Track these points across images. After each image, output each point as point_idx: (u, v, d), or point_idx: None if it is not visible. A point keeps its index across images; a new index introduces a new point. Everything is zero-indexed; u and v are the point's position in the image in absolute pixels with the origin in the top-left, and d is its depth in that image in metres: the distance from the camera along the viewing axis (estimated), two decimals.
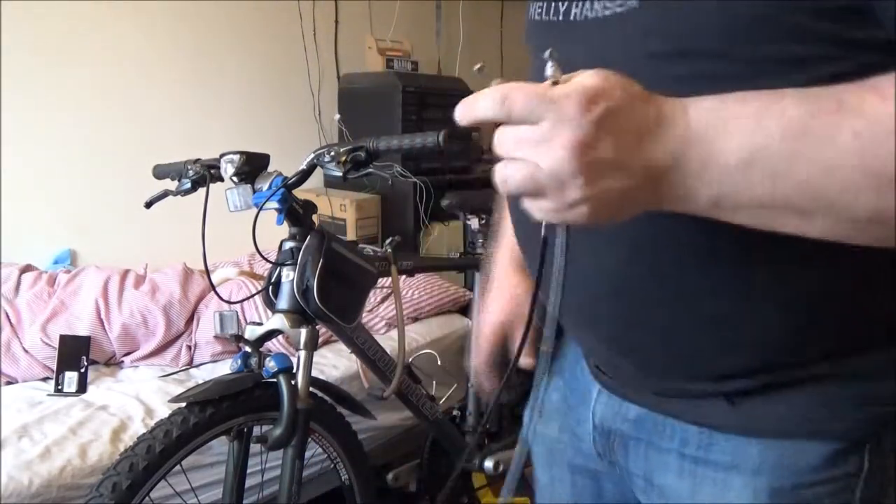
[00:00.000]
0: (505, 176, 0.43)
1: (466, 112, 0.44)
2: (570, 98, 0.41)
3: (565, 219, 0.44)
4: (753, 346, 0.57)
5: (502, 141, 0.43)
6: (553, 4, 0.60)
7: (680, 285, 0.55)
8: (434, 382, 1.78)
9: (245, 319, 1.83)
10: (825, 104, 0.42)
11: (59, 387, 1.64)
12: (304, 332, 1.20)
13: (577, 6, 0.58)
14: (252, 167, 1.21)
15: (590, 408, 0.72)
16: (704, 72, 0.50)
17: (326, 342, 1.87)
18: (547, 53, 0.42)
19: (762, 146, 0.41)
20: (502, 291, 0.82)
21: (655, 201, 0.45)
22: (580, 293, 0.58)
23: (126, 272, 1.92)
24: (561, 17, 0.60)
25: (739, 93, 0.43)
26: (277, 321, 1.22)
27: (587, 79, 0.42)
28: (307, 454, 1.24)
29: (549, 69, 0.43)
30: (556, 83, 0.42)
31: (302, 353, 1.21)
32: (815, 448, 0.58)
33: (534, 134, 0.41)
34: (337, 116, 2.85)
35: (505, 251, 0.86)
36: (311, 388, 1.22)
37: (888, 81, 0.41)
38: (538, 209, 0.44)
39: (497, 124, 0.44)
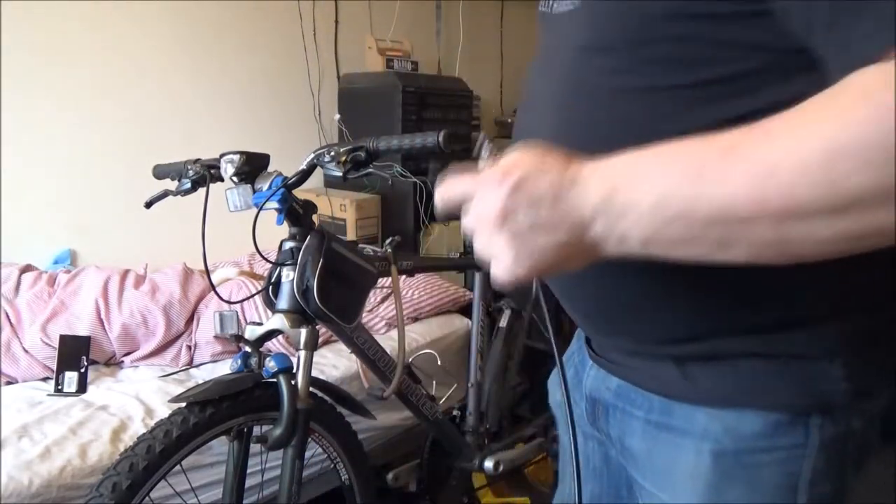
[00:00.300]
0: (476, 248, 0.53)
1: (444, 197, 0.54)
2: (490, 176, 0.50)
3: (517, 275, 0.51)
4: (693, 314, 0.64)
5: (467, 220, 0.53)
6: None
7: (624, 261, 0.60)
8: (434, 382, 1.78)
9: (245, 319, 1.83)
10: (721, 146, 0.46)
11: (59, 387, 1.64)
12: (304, 332, 1.20)
13: (554, 1, 0.68)
14: (252, 167, 1.21)
15: (582, 380, 0.81)
16: (615, 66, 0.59)
17: (326, 342, 1.87)
18: (482, 136, 0.53)
19: (668, 192, 0.46)
20: None
21: (592, 250, 0.50)
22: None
23: (126, 272, 1.92)
24: (549, 10, 0.70)
25: (651, 148, 0.48)
26: (277, 321, 1.22)
27: (507, 156, 0.50)
28: (307, 454, 1.24)
29: (485, 152, 0.53)
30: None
31: (302, 353, 1.21)
32: (756, 417, 0.64)
33: (475, 211, 0.52)
34: (337, 116, 2.85)
35: None
36: (311, 388, 1.22)
37: (779, 123, 0.45)
38: (497, 270, 0.53)
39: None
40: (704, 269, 0.51)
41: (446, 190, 0.54)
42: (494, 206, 0.50)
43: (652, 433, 0.70)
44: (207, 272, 1.26)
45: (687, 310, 0.64)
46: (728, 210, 0.45)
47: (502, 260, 0.51)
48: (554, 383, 0.91)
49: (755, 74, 0.53)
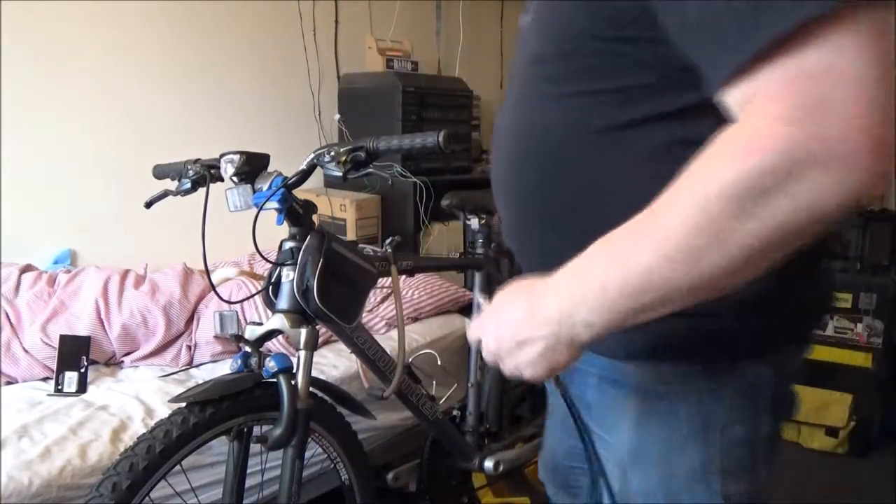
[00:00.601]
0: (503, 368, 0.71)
1: (471, 340, 0.76)
2: (484, 320, 0.72)
3: (533, 377, 0.68)
4: None
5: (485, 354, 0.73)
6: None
7: (549, 230, 0.80)
8: (434, 382, 1.78)
9: (245, 319, 1.83)
10: (633, 230, 0.58)
11: (59, 387, 1.64)
12: (304, 332, 1.20)
13: (526, 15, 0.80)
14: (252, 167, 1.21)
15: None
16: (550, 74, 0.72)
17: (326, 342, 1.87)
18: (477, 292, 0.87)
19: (604, 280, 0.59)
20: None
21: (572, 344, 0.64)
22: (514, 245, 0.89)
23: (126, 272, 1.92)
24: (521, 25, 0.83)
25: (590, 248, 0.61)
26: (277, 321, 1.22)
27: (495, 298, 0.71)
28: (307, 454, 1.24)
29: (481, 300, 0.81)
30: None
31: (302, 353, 1.21)
32: (675, 368, 0.77)
33: (485, 349, 0.72)
34: (337, 116, 2.85)
35: None
36: (311, 388, 1.22)
37: (675, 199, 0.55)
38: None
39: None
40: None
41: (470, 335, 0.75)
42: (489, 345, 0.70)
43: (602, 387, 0.85)
44: (207, 272, 1.26)
45: None
46: (648, 279, 0.57)
47: (521, 370, 0.68)
48: None
49: (654, 85, 0.66)
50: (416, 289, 2.18)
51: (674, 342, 0.73)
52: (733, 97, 0.54)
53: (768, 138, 0.49)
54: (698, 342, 0.73)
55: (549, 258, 0.68)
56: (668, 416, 0.78)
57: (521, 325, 0.65)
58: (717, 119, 0.55)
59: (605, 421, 0.85)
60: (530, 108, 0.77)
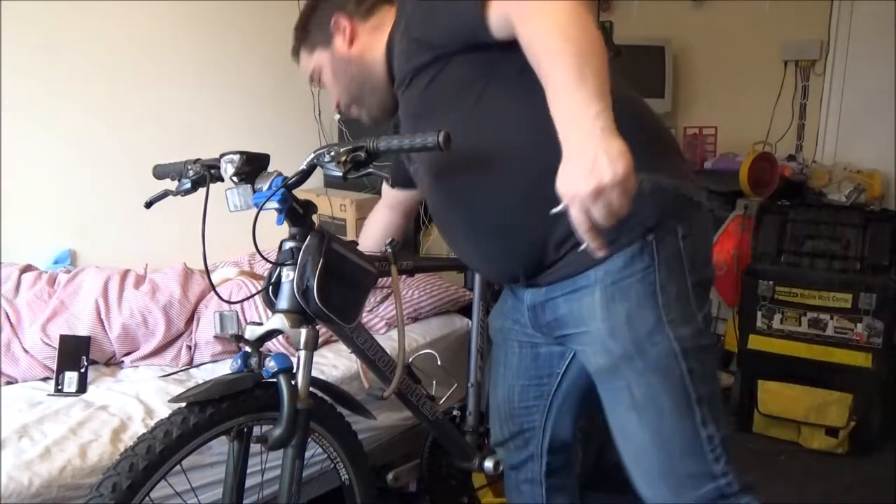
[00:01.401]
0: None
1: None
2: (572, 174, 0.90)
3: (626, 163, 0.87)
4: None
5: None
6: None
7: (478, 222, 1.20)
8: (434, 382, 1.78)
9: (245, 319, 1.83)
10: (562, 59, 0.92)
11: (59, 387, 1.64)
12: (304, 332, 1.20)
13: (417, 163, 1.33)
14: (252, 167, 1.21)
15: (524, 301, 1.26)
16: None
17: (326, 342, 1.87)
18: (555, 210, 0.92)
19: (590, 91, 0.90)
20: None
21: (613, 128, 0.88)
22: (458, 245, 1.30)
23: (126, 272, 1.92)
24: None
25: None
26: (277, 321, 1.21)
27: (563, 192, 0.92)
28: (307, 454, 1.24)
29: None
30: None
31: (302, 353, 1.21)
32: (618, 258, 1.08)
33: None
34: (337, 116, 2.85)
35: None
36: (311, 388, 1.22)
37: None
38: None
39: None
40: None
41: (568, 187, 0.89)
42: (591, 176, 0.86)
43: (568, 298, 1.15)
44: (207, 272, 1.25)
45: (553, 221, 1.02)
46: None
47: (616, 164, 0.86)
48: (493, 316, 1.42)
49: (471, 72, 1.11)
50: (416, 289, 2.18)
51: (613, 238, 0.99)
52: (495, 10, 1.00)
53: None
54: (626, 231, 1.04)
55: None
56: (623, 294, 1.09)
57: (583, 160, 0.85)
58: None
59: (581, 320, 1.14)
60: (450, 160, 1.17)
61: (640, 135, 0.98)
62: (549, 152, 0.91)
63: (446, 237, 1.32)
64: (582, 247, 0.91)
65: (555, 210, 0.89)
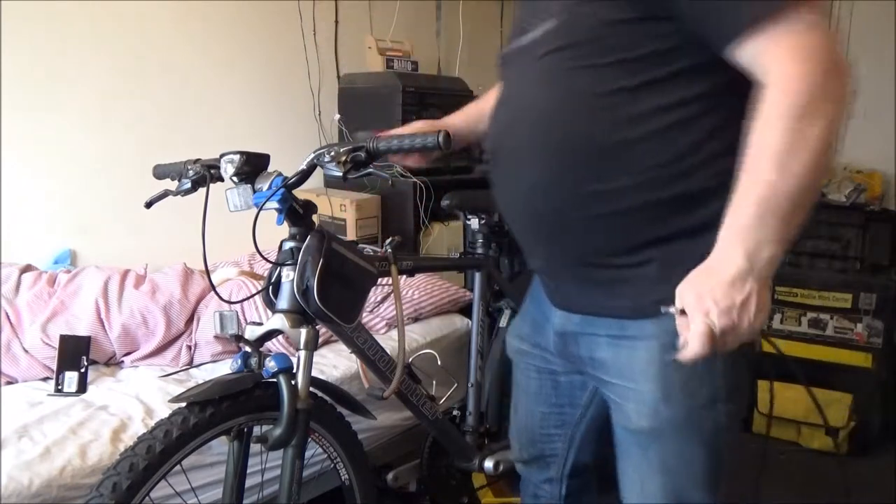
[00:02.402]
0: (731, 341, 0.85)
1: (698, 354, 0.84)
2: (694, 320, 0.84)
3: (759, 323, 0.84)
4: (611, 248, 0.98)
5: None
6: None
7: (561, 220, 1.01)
8: (434, 382, 1.78)
9: (245, 319, 1.83)
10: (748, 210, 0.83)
11: (59, 387, 1.64)
12: (304, 332, 1.20)
13: (532, 30, 1.00)
14: (252, 167, 1.21)
15: (551, 323, 1.14)
16: (577, 55, 0.92)
17: (326, 342, 1.87)
18: (663, 309, 0.89)
19: (766, 237, 0.83)
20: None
21: (767, 279, 0.84)
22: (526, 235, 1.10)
23: (126, 272, 1.92)
24: (514, 46, 1.06)
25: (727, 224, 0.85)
26: (277, 321, 1.22)
27: (694, 300, 0.84)
28: (307, 454, 1.24)
29: (672, 310, 0.87)
30: (682, 311, 0.85)
31: (302, 353, 1.21)
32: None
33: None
34: (337, 116, 2.85)
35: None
36: (311, 388, 1.22)
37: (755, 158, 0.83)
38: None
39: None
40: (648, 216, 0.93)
41: (696, 344, 0.83)
42: (723, 319, 0.82)
43: (614, 344, 1.03)
44: (207, 272, 1.26)
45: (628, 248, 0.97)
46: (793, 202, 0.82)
47: (753, 322, 0.83)
48: (512, 335, 1.29)
49: (665, 53, 0.88)
50: (416, 289, 2.18)
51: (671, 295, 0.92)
52: (746, 51, 0.82)
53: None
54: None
55: (583, 191, 0.95)
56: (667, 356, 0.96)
57: (733, 289, 0.81)
58: (703, 80, 0.89)
59: (628, 374, 1.02)
60: (554, 84, 0.95)
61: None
62: (681, 174, 0.91)
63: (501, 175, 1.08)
64: (666, 311, 0.86)
65: (666, 309, 0.86)
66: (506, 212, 1.11)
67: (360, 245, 1.42)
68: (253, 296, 1.74)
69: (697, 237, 0.92)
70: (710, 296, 0.81)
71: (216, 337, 1.82)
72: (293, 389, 1.17)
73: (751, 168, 0.81)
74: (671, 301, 0.87)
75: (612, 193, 0.94)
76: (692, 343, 0.81)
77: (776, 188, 0.79)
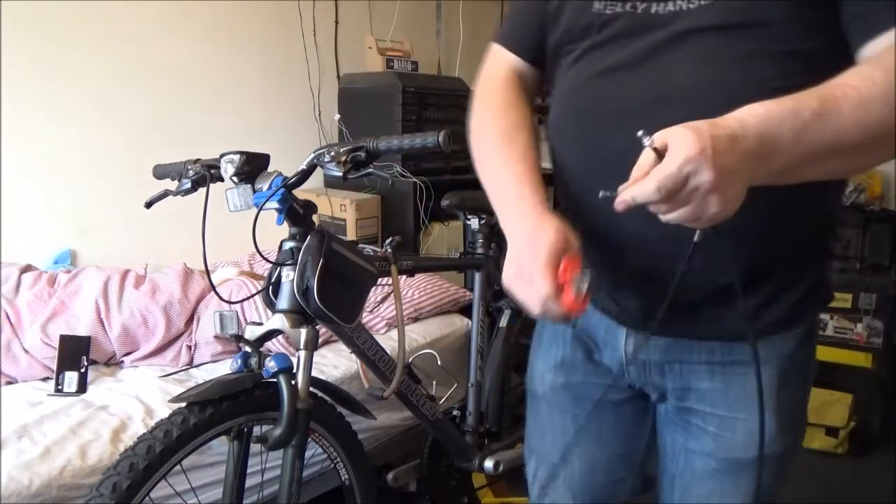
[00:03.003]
0: (678, 216, 0.65)
1: (628, 202, 0.65)
2: (693, 169, 0.62)
3: (730, 211, 0.65)
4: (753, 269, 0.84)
5: (664, 200, 0.64)
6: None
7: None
8: (434, 382, 1.78)
9: (245, 319, 1.83)
10: (828, 94, 0.68)
11: (59, 387, 1.64)
12: (304, 332, 1.20)
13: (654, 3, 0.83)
14: (252, 167, 1.21)
15: (620, 350, 0.96)
16: (747, 38, 0.77)
17: (326, 342, 1.87)
18: (640, 134, 0.64)
19: (801, 128, 0.66)
20: (548, 216, 0.84)
21: (752, 181, 0.66)
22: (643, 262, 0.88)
23: (126, 272, 1.92)
24: (647, 9, 0.83)
25: (775, 100, 0.67)
26: (277, 321, 1.22)
27: (683, 144, 0.62)
28: (307, 454, 1.24)
29: (647, 142, 0.64)
30: (655, 149, 0.63)
31: (302, 353, 1.21)
32: (791, 338, 0.91)
33: (687, 191, 0.63)
34: (337, 116, 2.85)
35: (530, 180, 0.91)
36: (311, 388, 1.22)
37: (853, 76, 0.69)
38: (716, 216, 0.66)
39: None
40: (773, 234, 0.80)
41: (640, 192, 0.64)
42: (707, 174, 0.62)
43: (721, 372, 0.90)
44: (207, 272, 1.26)
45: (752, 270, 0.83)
46: (836, 141, 0.68)
47: (720, 207, 0.64)
48: (546, 367, 1.06)
49: (829, 51, 0.76)
50: (416, 289, 2.18)
51: (788, 315, 0.87)
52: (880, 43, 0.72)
53: None
54: (805, 311, 0.90)
55: None
56: (790, 384, 0.91)
57: (729, 156, 0.63)
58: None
59: (733, 403, 0.91)
60: (723, 69, 0.79)
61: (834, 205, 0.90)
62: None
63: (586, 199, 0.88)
64: (644, 136, 0.64)
65: (644, 135, 0.65)
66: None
67: (360, 245, 1.42)
68: (253, 296, 1.74)
69: (817, 258, 0.91)
70: (712, 144, 0.62)
71: (216, 337, 1.82)
72: (293, 389, 1.17)
73: (832, 87, 0.68)
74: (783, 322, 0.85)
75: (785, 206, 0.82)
76: (650, 182, 0.63)
77: (843, 114, 0.66)
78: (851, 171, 0.76)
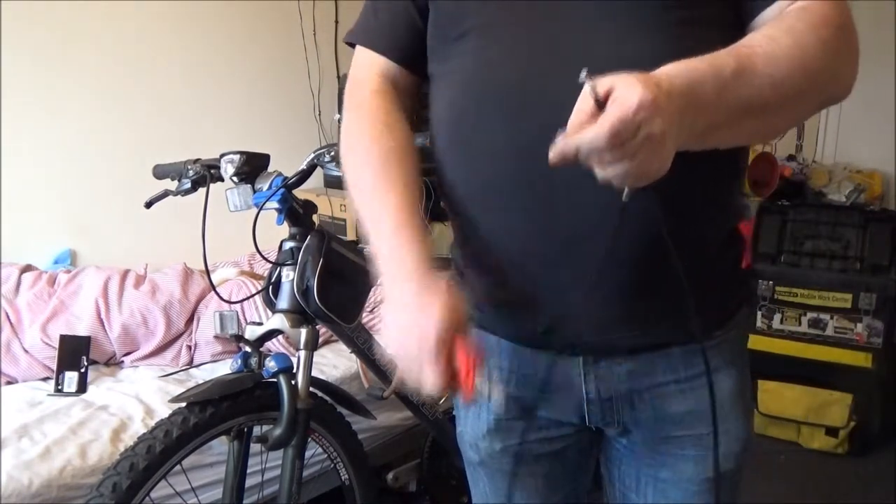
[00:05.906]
0: (619, 170, 0.59)
1: (568, 151, 0.58)
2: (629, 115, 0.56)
3: (663, 168, 0.61)
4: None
5: (603, 151, 0.58)
6: None
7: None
8: None
9: (245, 319, 1.83)
10: (742, 53, 0.66)
11: (59, 387, 1.64)
12: (304, 332, 1.20)
13: None
14: (252, 167, 1.21)
15: (577, 391, 0.84)
16: (672, 5, 0.73)
17: (326, 342, 1.87)
18: (584, 75, 0.57)
19: (722, 86, 0.64)
20: (434, 284, 0.76)
21: (676, 142, 0.61)
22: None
23: (126, 272, 1.92)
24: None
25: (692, 59, 0.64)
26: (277, 321, 1.22)
27: (633, 91, 0.57)
28: (307, 454, 1.24)
29: (589, 84, 0.57)
30: (597, 99, 0.57)
31: (302, 353, 1.21)
32: (738, 330, 0.87)
33: (637, 141, 0.58)
34: (337, 116, 2.84)
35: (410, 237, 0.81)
36: (311, 388, 1.22)
37: (757, 37, 0.68)
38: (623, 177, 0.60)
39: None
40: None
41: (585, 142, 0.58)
42: (659, 124, 0.57)
43: (688, 389, 0.82)
44: (207, 272, 1.26)
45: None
46: (752, 100, 0.66)
47: (662, 163, 0.60)
48: (479, 434, 0.91)
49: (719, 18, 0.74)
50: None
51: (739, 307, 0.86)
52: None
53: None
54: (744, 290, 0.89)
55: None
56: (744, 377, 0.87)
57: (658, 112, 0.58)
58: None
59: (707, 417, 0.80)
60: (651, 35, 0.73)
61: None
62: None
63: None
64: (586, 79, 0.58)
65: (587, 78, 0.58)
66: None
67: (360, 245, 1.42)
68: (253, 296, 1.74)
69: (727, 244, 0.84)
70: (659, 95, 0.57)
71: (216, 337, 1.82)
72: (293, 389, 1.17)
73: (744, 46, 0.67)
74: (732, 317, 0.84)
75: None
76: (602, 125, 0.56)
77: (757, 72, 0.65)
78: (765, 134, 0.76)
